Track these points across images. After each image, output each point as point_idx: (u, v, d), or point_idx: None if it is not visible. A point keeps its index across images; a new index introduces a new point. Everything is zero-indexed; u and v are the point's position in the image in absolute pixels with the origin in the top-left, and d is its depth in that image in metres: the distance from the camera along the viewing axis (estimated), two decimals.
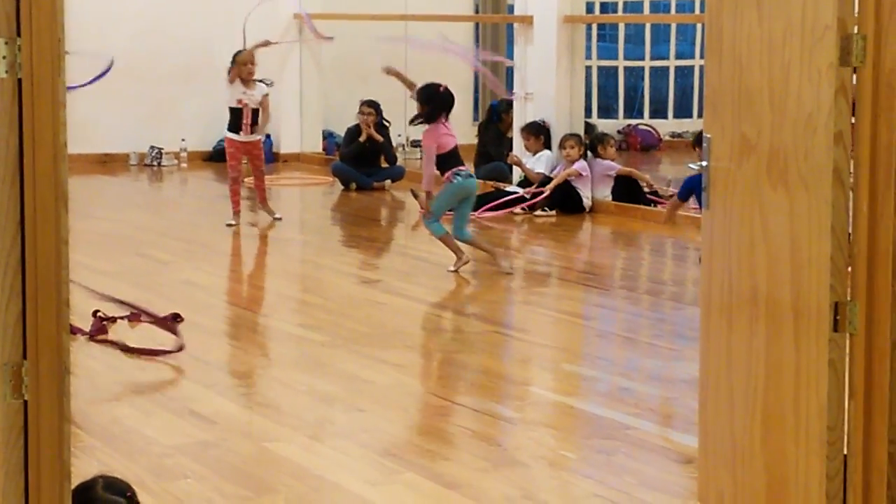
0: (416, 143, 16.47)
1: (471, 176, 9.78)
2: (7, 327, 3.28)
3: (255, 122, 11.68)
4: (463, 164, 9.70)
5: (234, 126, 11.72)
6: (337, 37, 15.45)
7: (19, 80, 3.22)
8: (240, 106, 11.64)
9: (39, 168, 3.24)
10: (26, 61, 3.21)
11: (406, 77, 10.19)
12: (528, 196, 12.37)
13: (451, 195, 9.67)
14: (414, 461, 5.45)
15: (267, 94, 11.71)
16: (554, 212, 12.27)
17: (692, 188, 8.90)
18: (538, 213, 12.28)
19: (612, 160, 12.76)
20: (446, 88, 9.71)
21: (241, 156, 11.74)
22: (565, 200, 12.32)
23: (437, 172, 9.54)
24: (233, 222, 11.45)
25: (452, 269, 9.47)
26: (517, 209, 12.29)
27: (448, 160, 9.61)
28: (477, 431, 5.91)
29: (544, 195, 12.27)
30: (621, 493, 5.09)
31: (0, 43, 3.19)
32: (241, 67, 11.57)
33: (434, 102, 9.58)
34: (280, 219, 11.79)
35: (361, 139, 14.07)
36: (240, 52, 11.79)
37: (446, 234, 9.64)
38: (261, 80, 11.74)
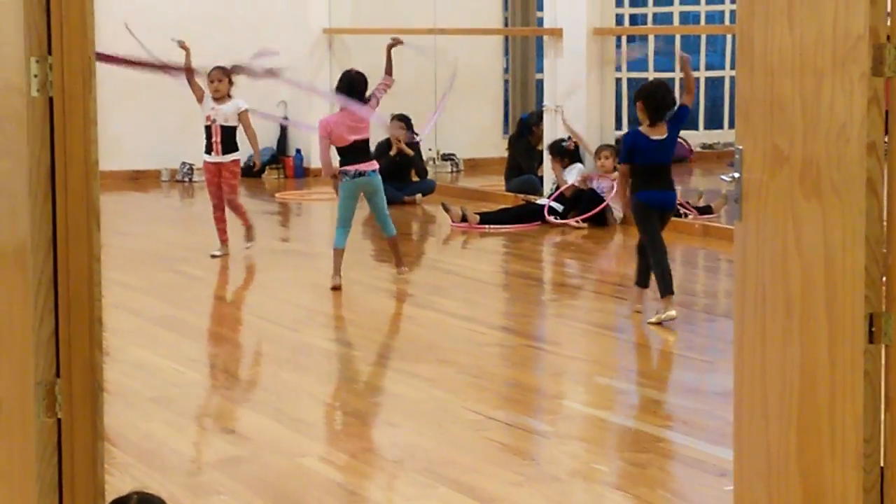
0: (446, 157, 16.49)
1: (360, 174, 9.28)
2: (40, 345, 3.29)
3: (228, 142, 10.65)
4: (364, 161, 9.31)
5: (207, 146, 10.76)
6: (364, 51, 15.47)
7: (51, 99, 3.23)
8: (208, 123, 10.71)
9: (71, 185, 3.25)
10: (58, 79, 3.22)
11: (391, 58, 9.83)
12: (551, 204, 12.35)
13: (342, 198, 9.41)
14: (447, 476, 5.44)
15: (245, 110, 10.68)
16: (586, 224, 12.24)
17: (631, 147, 8.63)
18: (572, 223, 12.25)
19: None
20: (348, 73, 9.35)
21: (218, 179, 10.75)
22: (597, 213, 12.30)
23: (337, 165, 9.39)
24: (218, 252, 10.63)
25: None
26: (550, 219, 12.27)
27: (344, 156, 9.35)
28: (510, 445, 5.89)
29: (594, 212, 12.17)
30: None
31: (31, 62, 3.20)
32: (209, 84, 10.68)
33: (338, 89, 9.37)
34: (249, 248, 10.81)
35: (392, 153, 14.07)
36: (215, 68, 10.79)
37: (337, 249, 9.32)
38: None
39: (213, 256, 10.56)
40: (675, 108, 8.73)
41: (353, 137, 9.22)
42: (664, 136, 8.49)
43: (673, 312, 8.29)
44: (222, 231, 10.74)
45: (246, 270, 10.30)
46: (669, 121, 8.55)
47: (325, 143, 9.32)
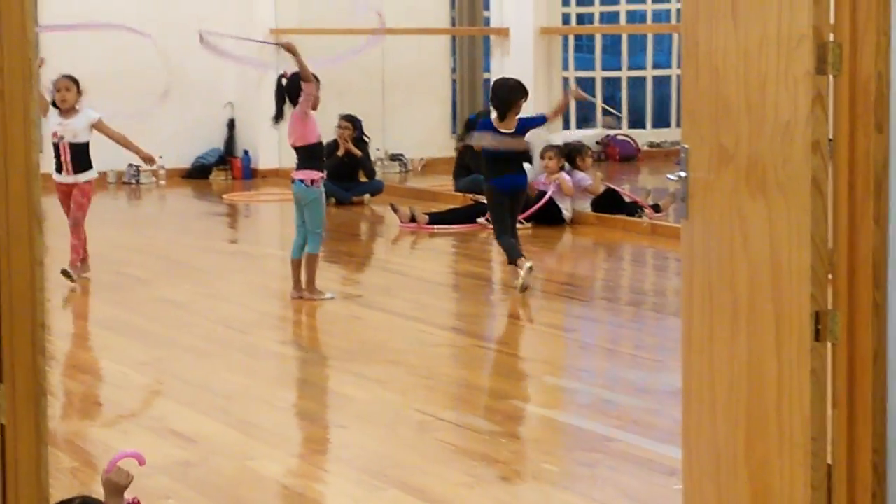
0: (394, 157, 16.47)
1: (293, 181, 8.96)
2: None
3: (80, 160, 9.54)
4: (299, 169, 8.92)
5: (57, 165, 9.51)
6: (311, 52, 15.41)
7: None
8: (55, 140, 9.47)
9: (12, 189, 3.22)
10: None
11: (302, 63, 8.78)
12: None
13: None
14: (397, 477, 5.42)
15: (98, 119, 9.56)
16: (530, 224, 12.20)
17: (471, 125, 9.51)
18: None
19: (587, 171, 12.76)
20: (282, 77, 8.99)
21: (70, 199, 9.54)
22: (544, 212, 12.30)
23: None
24: (70, 272, 9.34)
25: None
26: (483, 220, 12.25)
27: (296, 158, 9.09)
28: (459, 446, 5.88)
29: (537, 207, 12.17)
30: None
31: None
32: (55, 94, 9.45)
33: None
34: (80, 279, 9.45)
35: (339, 153, 14.04)
36: (62, 76, 9.63)
37: (296, 256, 9.03)
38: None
39: (64, 273, 9.27)
40: (535, 115, 10.00)
41: (290, 143, 8.99)
42: (511, 130, 9.32)
43: (528, 264, 9.09)
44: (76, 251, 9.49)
45: (194, 273, 10.25)
46: (523, 119, 9.43)
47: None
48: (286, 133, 9.05)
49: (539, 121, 9.73)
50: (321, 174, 8.97)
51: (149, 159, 10.08)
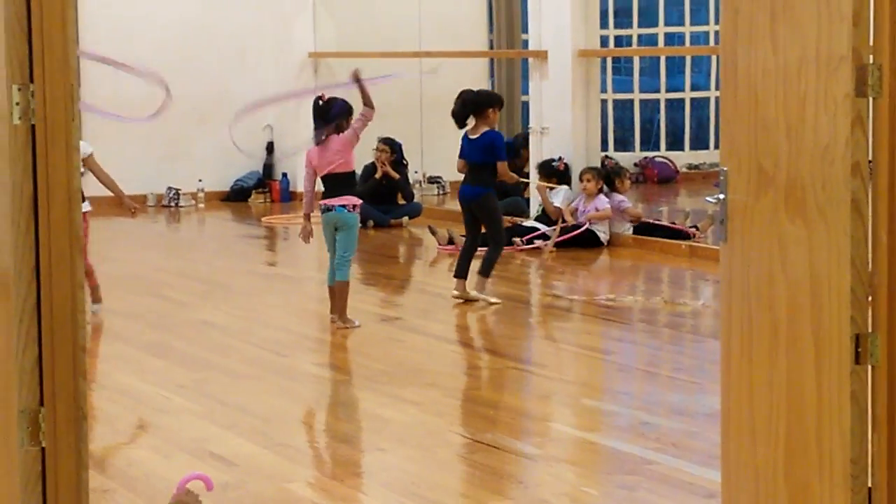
0: (432, 180, 16.49)
1: (329, 209, 8.85)
2: (24, 374, 3.27)
3: None
4: (335, 196, 8.83)
5: None
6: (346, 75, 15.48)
7: (33, 126, 3.22)
8: None
9: (54, 213, 3.24)
10: (40, 107, 3.21)
11: (366, 89, 8.89)
12: (549, 233, 12.33)
13: (323, 232, 9.06)
14: (434, 500, 5.42)
15: (90, 155, 9.06)
16: (554, 250, 12.16)
17: (461, 145, 9.85)
18: (544, 245, 12.21)
19: (626, 193, 12.77)
20: (316, 101, 8.95)
21: None
22: (583, 235, 12.29)
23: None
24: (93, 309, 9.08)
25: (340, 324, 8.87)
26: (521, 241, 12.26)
27: (323, 188, 8.97)
28: (498, 469, 5.88)
29: (571, 235, 12.19)
30: None
31: (13, 89, 3.19)
32: None
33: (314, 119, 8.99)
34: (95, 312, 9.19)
35: (377, 176, 14.08)
36: None
37: (329, 286, 8.99)
38: None
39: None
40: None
41: (326, 170, 8.85)
42: (476, 137, 9.71)
43: (455, 292, 9.65)
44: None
45: (234, 295, 10.28)
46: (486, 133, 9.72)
47: (307, 174, 9.00)
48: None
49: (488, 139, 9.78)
50: (360, 201, 9.00)
51: (131, 210, 9.45)
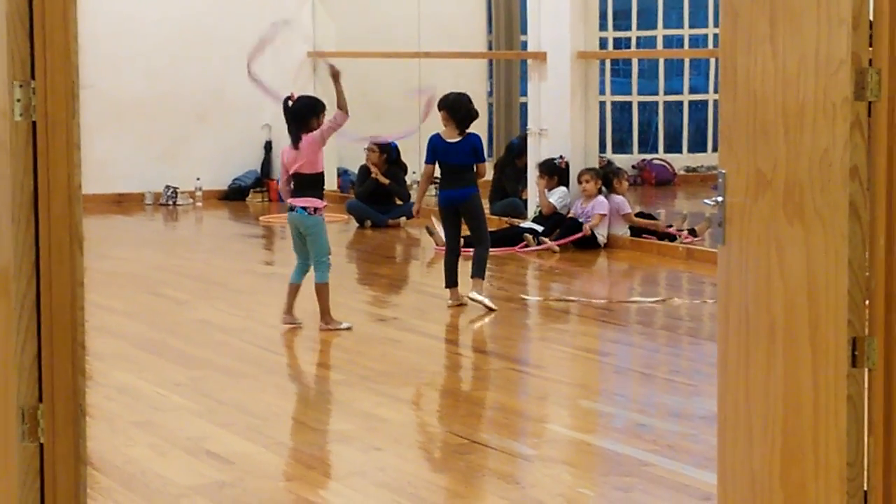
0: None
1: (292, 209, 8.74)
2: (23, 370, 3.28)
3: None
4: (301, 196, 8.70)
5: None
6: (350, 75, 15.49)
7: (34, 123, 3.23)
8: None
9: (54, 210, 3.25)
10: (41, 104, 3.22)
11: (341, 91, 8.83)
12: (543, 236, 12.35)
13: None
14: (431, 500, 5.42)
15: None
16: (558, 250, 12.20)
17: (432, 149, 9.71)
18: (554, 246, 12.22)
19: (624, 195, 12.77)
20: (288, 100, 8.87)
21: None
22: (582, 237, 12.30)
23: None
24: None
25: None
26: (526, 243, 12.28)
27: (293, 186, 8.83)
28: (494, 469, 5.88)
29: (573, 238, 12.22)
30: None
31: (15, 86, 3.20)
32: None
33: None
34: None
35: (373, 176, 14.10)
36: None
37: (289, 284, 8.91)
38: None
39: None
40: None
41: (293, 169, 8.73)
42: (457, 140, 9.64)
43: (448, 302, 9.56)
44: None
45: (231, 294, 10.28)
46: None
47: (281, 172, 8.92)
48: (328, 156, 8.87)
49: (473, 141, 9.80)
50: (324, 203, 8.82)
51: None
